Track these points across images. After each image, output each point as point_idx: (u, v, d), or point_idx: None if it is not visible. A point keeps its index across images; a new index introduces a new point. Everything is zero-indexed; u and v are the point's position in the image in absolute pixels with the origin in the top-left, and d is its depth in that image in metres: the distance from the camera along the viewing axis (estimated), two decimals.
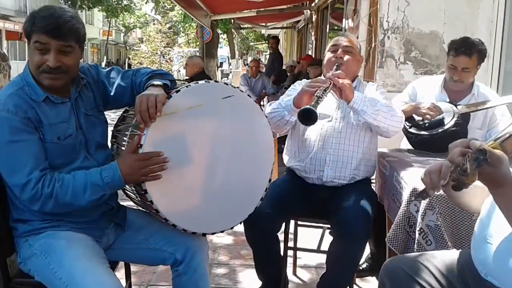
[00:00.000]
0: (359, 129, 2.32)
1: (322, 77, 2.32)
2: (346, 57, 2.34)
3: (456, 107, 2.44)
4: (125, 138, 1.82)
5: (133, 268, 2.58)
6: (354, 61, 2.38)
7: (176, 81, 1.86)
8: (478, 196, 1.45)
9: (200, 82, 1.76)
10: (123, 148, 1.81)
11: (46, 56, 1.58)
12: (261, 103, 8.25)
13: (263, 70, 10.30)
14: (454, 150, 1.16)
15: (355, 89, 2.35)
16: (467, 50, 2.42)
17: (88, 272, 1.54)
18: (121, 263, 2.00)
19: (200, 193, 1.79)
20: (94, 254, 1.63)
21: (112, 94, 1.83)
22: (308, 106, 1.90)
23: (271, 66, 9.97)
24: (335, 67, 2.31)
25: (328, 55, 2.41)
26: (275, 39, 10.87)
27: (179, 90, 1.69)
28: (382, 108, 2.20)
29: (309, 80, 2.27)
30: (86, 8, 28.75)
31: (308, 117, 1.89)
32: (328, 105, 2.33)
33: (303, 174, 2.38)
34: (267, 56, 32.32)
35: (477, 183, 1.33)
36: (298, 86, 2.48)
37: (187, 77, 5.90)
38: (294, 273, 2.87)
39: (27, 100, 1.59)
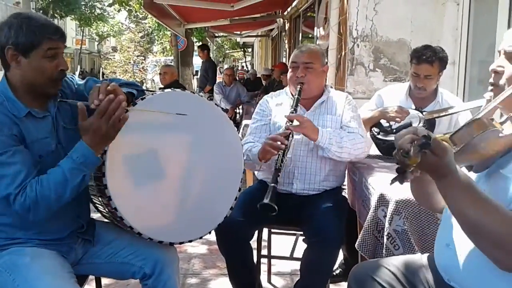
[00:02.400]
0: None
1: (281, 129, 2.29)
2: (307, 75, 2.35)
3: (422, 113, 2.50)
4: None
5: (105, 281, 2.55)
6: (316, 76, 2.38)
7: (145, 91, 1.86)
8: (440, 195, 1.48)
9: (166, 90, 1.78)
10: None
11: (55, 62, 1.57)
12: (236, 110, 8.28)
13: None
14: (405, 137, 1.18)
15: (323, 104, 2.40)
16: (429, 58, 2.48)
17: None
18: (93, 276, 1.97)
19: (171, 205, 1.79)
20: (60, 270, 1.60)
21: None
22: (266, 202, 1.99)
23: (205, 75, 8.94)
24: (298, 87, 2.33)
25: (289, 72, 2.43)
26: (203, 47, 9.65)
27: (144, 98, 1.70)
28: (346, 144, 2.26)
29: (269, 137, 2.23)
30: (59, 17, 28.35)
31: (268, 209, 2.01)
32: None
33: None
34: (243, 64, 32.46)
35: None
36: (264, 105, 2.52)
37: (162, 86, 5.87)
38: (269, 281, 2.88)
39: (10, 116, 1.54)
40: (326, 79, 2.57)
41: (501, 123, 1.29)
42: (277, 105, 2.47)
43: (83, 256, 1.81)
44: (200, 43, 10.83)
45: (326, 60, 2.49)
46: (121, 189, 1.65)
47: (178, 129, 1.78)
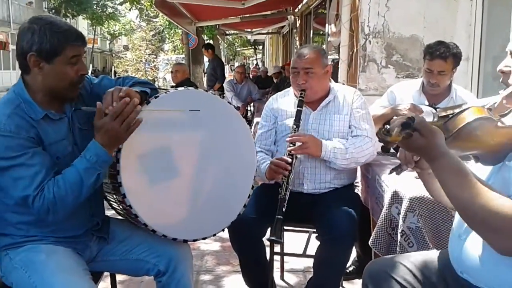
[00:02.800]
0: (335, 139, 2.34)
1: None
2: (308, 81, 2.33)
3: (436, 110, 2.48)
4: None
5: (120, 278, 2.57)
6: (317, 81, 2.35)
7: (159, 90, 1.87)
8: None
9: (180, 88, 1.79)
10: None
11: (76, 67, 1.60)
12: (248, 108, 8.29)
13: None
14: (396, 121, 1.23)
15: (330, 104, 2.39)
16: (442, 53, 2.46)
17: (68, 285, 1.53)
18: (108, 273, 1.99)
19: (184, 203, 1.80)
20: (75, 267, 1.62)
21: None
22: (273, 238, 2.05)
23: (213, 74, 8.90)
24: (300, 93, 2.33)
25: (291, 77, 2.42)
26: (208, 46, 9.71)
27: (157, 96, 1.72)
28: (352, 154, 2.27)
29: (274, 159, 2.27)
30: (71, 17, 28.61)
31: (274, 241, 2.10)
32: (302, 117, 2.33)
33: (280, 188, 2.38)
34: (254, 62, 32.42)
35: None
36: (269, 109, 2.51)
37: (174, 84, 5.90)
38: (282, 278, 2.88)
39: (27, 119, 1.56)
40: (332, 78, 2.53)
41: (503, 115, 1.28)
42: (282, 109, 2.46)
43: (98, 253, 1.83)
44: (208, 42, 10.72)
45: (327, 60, 2.42)
46: (136, 186, 1.66)
47: (192, 127, 1.79)
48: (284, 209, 2.12)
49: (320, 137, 2.32)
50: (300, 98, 2.32)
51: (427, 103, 2.60)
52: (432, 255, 1.58)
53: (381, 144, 1.28)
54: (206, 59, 10.90)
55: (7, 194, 1.57)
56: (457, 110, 2.45)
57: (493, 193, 1.17)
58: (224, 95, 7.80)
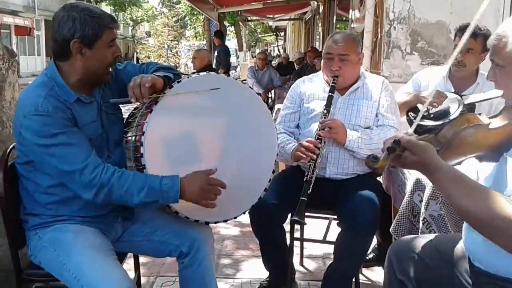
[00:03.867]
0: (359, 126, 2.33)
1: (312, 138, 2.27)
2: (342, 67, 2.31)
3: (461, 97, 2.43)
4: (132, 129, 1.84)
5: (142, 259, 2.63)
6: (351, 68, 2.34)
7: (181, 75, 1.89)
8: None
9: (202, 73, 1.80)
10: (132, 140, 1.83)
11: (112, 49, 1.66)
12: (268, 95, 8.27)
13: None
14: (387, 141, 1.30)
15: (358, 90, 2.38)
16: (473, 31, 2.42)
17: (95, 263, 1.57)
18: (131, 254, 2.04)
19: None
20: (101, 246, 1.66)
21: None
22: (296, 219, 2.04)
23: (218, 59, 8.86)
24: (332, 80, 2.32)
25: (324, 62, 2.41)
26: (216, 34, 9.66)
27: (180, 81, 1.73)
28: (377, 145, 2.23)
29: (303, 144, 2.23)
30: (94, 2, 28.84)
31: (297, 222, 2.10)
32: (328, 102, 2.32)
33: (306, 170, 2.39)
34: (275, 48, 32.15)
35: None
36: (295, 92, 2.50)
37: (195, 71, 5.91)
38: (301, 264, 2.90)
39: (62, 101, 1.61)
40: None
41: (493, 117, 1.29)
42: (309, 92, 2.45)
43: (123, 234, 1.87)
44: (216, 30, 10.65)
45: (360, 48, 2.43)
46: (159, 170, 1.68)
47: (214, 112, 1.80)
48: (309, 192, 2.12)
49: (347, 121, 2.32)
50: (333, 84, 2.31)
51: (453, 90, 2.55)
52: (457, 240, 1.57)
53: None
54: (229, 45, 10.93)
55: (43, 175, 1.63)
56: (485, 98, 2.43)
57: (494, 195, 1.18)
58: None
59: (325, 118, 2.26)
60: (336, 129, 2.23)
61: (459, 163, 1.65)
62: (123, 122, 1.86)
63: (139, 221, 1.89)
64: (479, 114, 1.30)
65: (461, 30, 2.49)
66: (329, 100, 2.30)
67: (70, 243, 1.63)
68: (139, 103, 1.70)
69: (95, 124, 1.71)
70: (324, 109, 2.28)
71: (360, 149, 2.25)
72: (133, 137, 1.70)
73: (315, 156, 2.18)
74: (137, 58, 26.06)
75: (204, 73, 1.84)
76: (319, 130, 2.23)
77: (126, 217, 1.87)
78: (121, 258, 1.87)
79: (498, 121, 1.29)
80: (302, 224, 2.11)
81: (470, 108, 2.42)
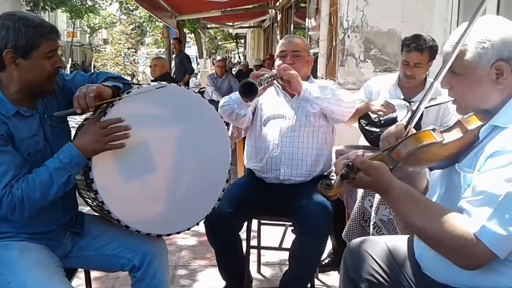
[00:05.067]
0: (312, 126, 2.37)
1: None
2: (296, 62, 2.37)
3: (410, 104, 2.51)
4: None
5: (96, 274, 2.56)
6: (303, 64, 2.43)
7: (132, 85, 1.86)
8: None
9: (152, 83, 1.78)
10: None
11: (52, 60, 1.60)
12: None
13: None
14: (338, 163, 1.29)
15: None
16: (419, 46, 2.51)
17: (40, 282, 1.52)
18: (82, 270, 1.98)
19: (159, 197, 1.79)
20: (48, 264, 1.61)
21: None
22: (249, 79, 1.96)
23: (180, 67, 8.69)
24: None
25: (277, 61, 2.44)
26: (177, 40, 9.58)
27: (129, 92, 1.70)
28: (333, 91, 2.27)
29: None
30: (49, 10, 28.06)
31: (249, 90, 1.95)
32: (281, 104, 2.38)
33: (261, 175, 2.41)
34: (236, 55, 32.25)
35: None
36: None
37: (153, 79, 5.83)
38: (259, 271, 2.90)
39: None
40: (312, 72, 2.58)
41: (446, 131, 1.32)
42: (265, 96, 2.46)
43: (72, 249, 1.81)
44: (192, 34, 10.59)
45: (309, 52, 2.52)
46: (109, 182, 1.65)
47: (166, 122, 1.78)
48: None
49: (299, 117, 2.36)
50: None
51: (402, 96, 2.63)
52: (407, 239, 1.60)
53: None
54: (188, 52, 10.88)
55: None
56: (432, 103, 2.51)
57: (445, 213, 1.20)
58: (204, 89, 7.76)
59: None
60: (292, 73, 2.20)
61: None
62: (70, 135, 1.80)
63: (89, 235, 1.84)
64: (433, 130, 1.31)
65: (407, 45, 2.56)
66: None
67: (15, 261, 1.57)
68: (88, 114, 1.65)
69: (36, 138, 1.64)
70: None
71: (317, 94, 2.23)
72: None
73: (272, 73, 2.15)
74: (94, 66, 25.52)
75: (156, 83, 1.80)
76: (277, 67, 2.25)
77: (75, 231, 1.81)
78: (71, 274, 1.81)
79: (451, 135, 1.30)
80: (255, 87, 1.94)
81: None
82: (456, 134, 1.30)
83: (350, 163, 1.25)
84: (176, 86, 1.89)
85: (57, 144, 1.68)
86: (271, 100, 2.44)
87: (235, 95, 2.32)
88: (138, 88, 1.76)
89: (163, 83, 1.81)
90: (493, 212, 1.13)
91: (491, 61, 1.24)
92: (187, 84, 8.40)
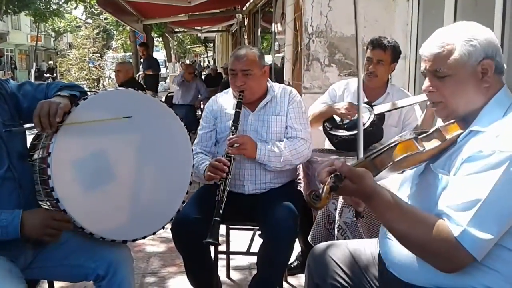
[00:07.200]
0: (271, 141, 2.37)
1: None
2: (247, 82, 2.35)
3: (372, 108, 2.57)
4: (38, 152, 1.77)
5: (62, 283, 2.50)
6: (256, 82, 2.38)
7: (88, 93, 1.85)
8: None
9: (109, 89, 1.77)
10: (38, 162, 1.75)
11: None
12: (201, 106, 8.21)
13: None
14: (322, 171, 1.28)
15: (268, 105, 2.42)
16: (382, 44, 2.63)
17: None
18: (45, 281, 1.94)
19: (121, 203, 1.78)
20: (8, 275, 1.56)
21: (26, 106, 1.77)
22: (210, 240, 2.04)
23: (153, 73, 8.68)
24: (238, 95, 2.35)
25: (230, 78, 2.44)
26: (144, 45, 9.52)
27: (86, 98, 1.69)
28: (287, 156, 2.31)
29: (213, 160, 2.26)
30: (12, 13, 27.34)
31: (211, 244, 2.09)
32: (241, 120, 2.35)
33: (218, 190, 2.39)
34: (205, 59, 32.12)
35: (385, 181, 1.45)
36: (209, 110, 2.52)
37: (118, 84, 5.75)
38: (228, 276, 2.90)
39: None
40: (279, 77, 2.59)
41: (426, 139, 1.35)
42: (222, 110, 2.48)
43: (34, 260, 1.77)
44: (160, 38, 10.50)
45: (264, 61, 2.46)
46: (70, 191, 1.63)
47: (125, 129, 1.76)
48: (221, 211, 2.13)
49: (259, 138, 2.36)
50: (239, 100, 2.34)
51: (365, 100, 2.69)
52: (369, 243, 1.64)
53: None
54: (156, 56, 10.79)
55: None
56: (394, 107, 2.59)
57: (429, 219, 1.22)
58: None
59: (233, 134, 2.28)
60: (244, 145, 2.26)
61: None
62: (24, 135, 1.78)
63: (51, 245, 1.79)
64: (415, 138, 1.34)
65: (372, 42, 2.65)
66: (237, 116, 2.31)
67: None
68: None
69: None
70: (232, 126, 2.30)
71: (271, 162, 2.30)
72: (39, 159, 1.63)
73: (224, 175, 2.19)
74: (58, 72, 24.88)
75: (113, 88, 1.80)
76: (228, 148, 2.25)
77: (37, 241, 1.77)
78: (33, 285, 1.77)
79: (430, 144, 1.33)
80: (216, 245, 2.14)
81: (380, 117, 2.56)
82: (434, 142, 1.33)
83: (338, 173, 1.25)
84: (133, 91, 1.86)
85: (12, 142, 1.67)
86: (231, 113, 2.40)
87: (199, 170, 2.33)
88: (94, 94, 1.75)
89: (120, 88, 1.80)
90: (473, 216, 1.16)
91: (479, 59, 1.28)
92: (154, 83, 8.26)
